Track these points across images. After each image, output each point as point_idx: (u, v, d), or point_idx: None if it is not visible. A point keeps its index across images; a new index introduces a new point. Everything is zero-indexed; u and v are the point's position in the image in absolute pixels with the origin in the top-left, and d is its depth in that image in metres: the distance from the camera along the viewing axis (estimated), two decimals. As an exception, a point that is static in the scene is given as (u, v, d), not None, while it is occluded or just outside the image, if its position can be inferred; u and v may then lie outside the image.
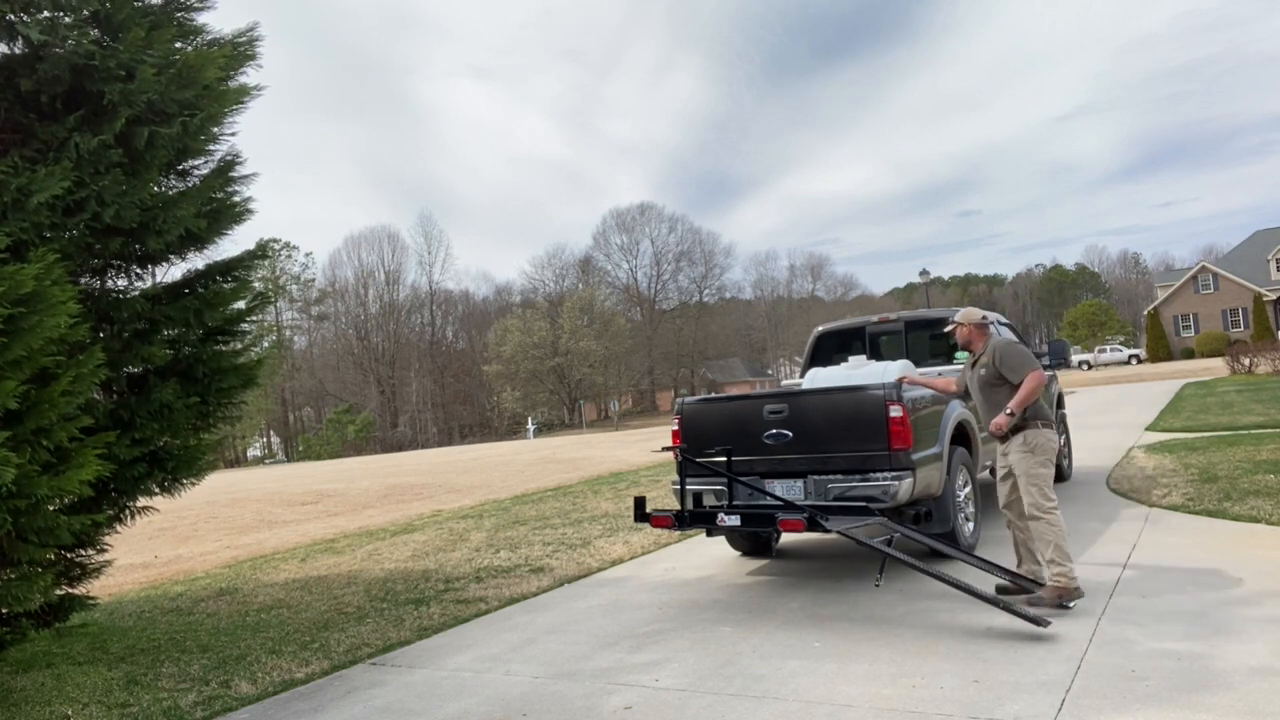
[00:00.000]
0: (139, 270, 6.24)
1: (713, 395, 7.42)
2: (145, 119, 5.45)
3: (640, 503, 6.16)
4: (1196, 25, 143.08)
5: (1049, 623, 4.58)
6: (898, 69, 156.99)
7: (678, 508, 6.26)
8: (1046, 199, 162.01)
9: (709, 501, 6.39)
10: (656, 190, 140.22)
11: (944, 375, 7.42)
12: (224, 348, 6.51)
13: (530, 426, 67.37)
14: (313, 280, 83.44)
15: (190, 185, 6.22)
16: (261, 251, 6.86)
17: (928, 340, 8.65)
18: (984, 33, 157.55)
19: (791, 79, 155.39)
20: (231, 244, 9.19)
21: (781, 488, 6.26)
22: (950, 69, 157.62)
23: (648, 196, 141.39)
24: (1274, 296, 56.15)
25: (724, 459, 6.31)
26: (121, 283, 6.23)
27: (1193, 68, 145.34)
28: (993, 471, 8.26)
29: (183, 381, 6.06)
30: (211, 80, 5.76)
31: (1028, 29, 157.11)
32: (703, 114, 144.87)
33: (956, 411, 6.72)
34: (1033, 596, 5.02)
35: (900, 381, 6.08)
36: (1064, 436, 9.65)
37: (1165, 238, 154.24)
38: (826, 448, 6.13)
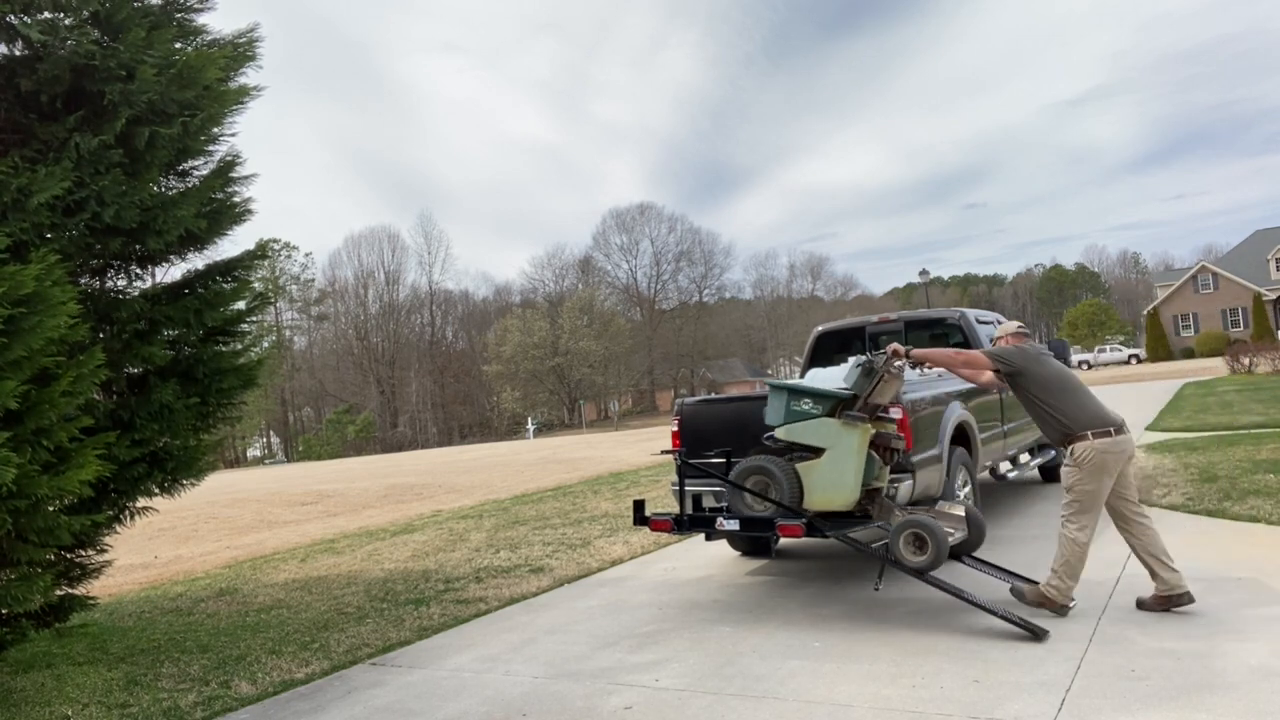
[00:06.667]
0: (139, 270, 6.24)
1: (713, 396, 7.41)
2: (145, 119, 5.45)
3: (639, 506, 6.15)
4: (1219, 1, 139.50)
5: (1047, 633, 4.55)
6: (907, 47, 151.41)
7: (677, 510, 6.26)
8: (1056, 191, 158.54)
9: (709, 503, 6.38)
10: (652, 181, 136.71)
11: (943, 377, 7.41)
12: (224, 348, 6.51)
13: (530, 426, 67.34)
14: (312, 280, 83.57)
15: (190, 185, 6.22)
16: (261, 252, 6.87)
17: (927, 340, 8.64)
18: (999, 6, 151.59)
19: (793, 59, 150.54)
20: (231, 244, 9.18)
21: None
22: (962, 46, 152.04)
23: (643, 188, 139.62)
24: (1273, 296, 56.16)
25: (723, 460, 6.30)
26: (121, 283, 6.23)
27: (1211, 47, 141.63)
28: (992, 471, 8.28)
29: (183, 382, 6.06)
30: (212, 81, 5.76)
31: (1045, 3, 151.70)
32: (699, 97, 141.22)
33: (956, 412, 6.71)
34: (1015, 587, 5.04)
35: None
36: None
37: (1168, 234, 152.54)
38: None
